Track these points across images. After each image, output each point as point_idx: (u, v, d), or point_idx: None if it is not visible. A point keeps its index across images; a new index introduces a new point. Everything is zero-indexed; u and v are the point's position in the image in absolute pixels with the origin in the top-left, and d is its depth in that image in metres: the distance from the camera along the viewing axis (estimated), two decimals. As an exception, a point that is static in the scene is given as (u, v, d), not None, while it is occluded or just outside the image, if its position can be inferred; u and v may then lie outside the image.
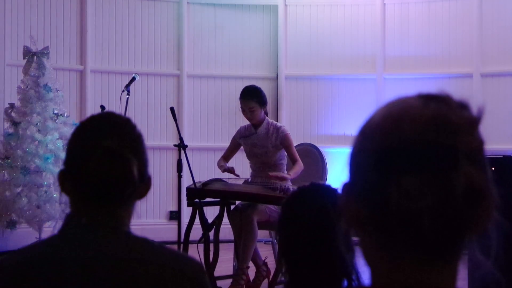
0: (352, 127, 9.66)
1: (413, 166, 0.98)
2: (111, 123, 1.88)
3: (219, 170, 6.69)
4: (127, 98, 7.24)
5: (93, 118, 1.92)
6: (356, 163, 1.05)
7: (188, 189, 6.59)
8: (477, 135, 1.02)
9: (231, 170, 6.57)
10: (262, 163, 6.65)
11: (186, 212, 7.31)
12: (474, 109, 1.03)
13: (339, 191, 2.24)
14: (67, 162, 1.86)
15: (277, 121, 7.99)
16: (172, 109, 6.79)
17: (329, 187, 2.24)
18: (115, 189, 1.80)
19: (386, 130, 1.02)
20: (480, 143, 1.02)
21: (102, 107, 7.28)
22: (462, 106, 1.03)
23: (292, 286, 2.16)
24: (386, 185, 0.99)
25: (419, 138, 0.99)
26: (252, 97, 6.56)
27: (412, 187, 0.98)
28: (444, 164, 0.98)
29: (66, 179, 1.85)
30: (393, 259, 1.02)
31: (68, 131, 7.83)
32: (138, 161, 1.82)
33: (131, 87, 7.48)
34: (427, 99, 1.03)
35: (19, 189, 7.81)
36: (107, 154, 1.80)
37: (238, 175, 6.65)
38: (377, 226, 1.02)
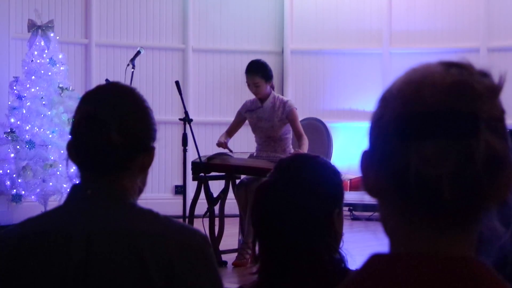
0: (358, 102, 9.64)
1: (433, 132, 0.98)
2: (106, 91, 1.89)
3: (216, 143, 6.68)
4: (132, 72, 7.22)
5: (96, 87, 1.93)
6: (376, 130, 1.04)
7: (193, 163, 6.59)
8: (498, 104, 1.01)
9: (223, 145, 6.56)
10: (268, 137, 6.65)
11: (191, 186, 7.31)
12: (495, 78, 1.03)
13: (325, 162, 2.15)
14: (70, 130, 1.88)
15: (282, 96, 7.98)
16: (177, 82, 6.77)
17: (311, 158, 2.15)
18: (96, 154, 1.80)
19: (407, 96, 1.01)
20: (501, 111, 1.01)
21: (107, 81, 7.25)
22: (484, 74, 1.03)
23: (273, 257, 2.04)
24: (406, 151, 0.99)
25: (440, 104, 0.98)
26: (257, 72, 6.54)
27: (432, 153, 0.97)
28: (464, 131, 0.97)
29: (71, 148, 1.85)
30: (411, 227, 1.01)
31: (73, 105, 7.80)
32: (123, 127, 1.80)
33: (136, 61, 7.46)
34: (448, 66, 1.03)
35: (24, 163, 7.82)
36: (84, 118, 1.81)
37: (231, 150, 6.64)
38: (397, 193, 1.01)
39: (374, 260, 1.03)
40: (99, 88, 1.92)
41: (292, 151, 6.65)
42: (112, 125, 1.79)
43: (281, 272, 2.01)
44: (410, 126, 0.99)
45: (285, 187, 2.04)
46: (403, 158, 0.99)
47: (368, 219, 9.00)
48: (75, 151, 1.84)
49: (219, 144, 6.58)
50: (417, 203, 0.99)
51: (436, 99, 0.99)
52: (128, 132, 1.82)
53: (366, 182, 1.06)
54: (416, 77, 1.03)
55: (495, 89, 1.02)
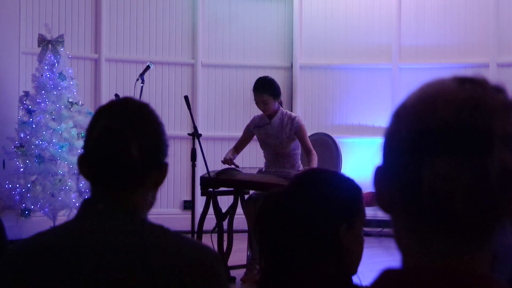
0: (367, 117, 9.63)
1: (447, 148, 0.97)
2: (122, 106, 1.88)
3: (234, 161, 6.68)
4: (142, 87, 7.24)
5: (110, 102, 1.93)
6: (390, 145, 1.04)
7: (202, 178, 6.58)
8: None
9: (228, 162, 6.54)
10: (276, 153, 6.63)
11: (200, 201, 7.30)
12: (510, 93, 1.02)
13: (337, 177, 2.13)
14: (83, 145, 1.87)
15: (291, 111, 7.98)
16: (186, 97, 6.78)
17: (317, 172, 2.14)
18: (114, 169, 1.80)
19: (421, 111, 1.00)
20: None
21: (117, 95, 7.28)
22: (498, 90, 1.02)
23: (269, 273, 2.03)
24: (420, 166, 0.98)
25: (454, 119, 0.98)
26: (265, 90, 6.53)
27: (446, 168, 0.96)
28: (478, 147, 0.96)
29: (83, 162, 1.85)
30: (424, 243, 1.00)
31: (83, 119, 7.84)
32: (141, 143, 1.80)
33: (146, 76, 7.48)
34: (462, 81, 1.02)
35: (33, 178, 7.83)
36: (104, 133, 1.80)
37: (238, 166, 6.62)
38: (410, 209, 1.00)
39: (387, 275, 1.02)
40: (115, 103, 1.91)
41: (301, 166, 6.63)
42: (132, 141, 1.79)
43: (280, 282, 2.00)
44: (424, 142, 0.98)
45: (287, 200, 2.03)
46: (416, 174, 0.98)
47: (379, 234, 8.97)
48: (89, 165, 1.83)
49: (225, 161, 6.57)
50: (430, 219, 0.99)
51: (450, 114, 0.98)
52: (146, 147, 1.82)
53: (379, 198, 1.05)
54: (430, 92, 1.02)
55: (510, 105, 1.00)
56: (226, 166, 6.65)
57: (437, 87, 1.02)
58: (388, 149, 1.04)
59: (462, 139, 0.97)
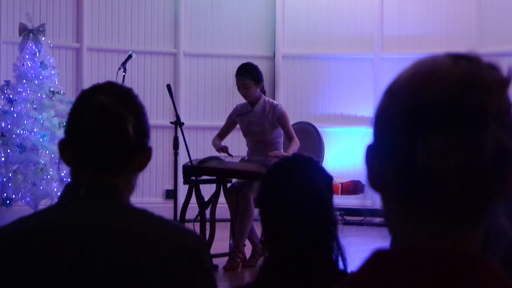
0: (350, 107, 9.64)
1: (441, 125, 0.96)
2: (110, 86, 1.88)
3: (215, 149, 6.69)
4: (124, 76, 7.22)
5: (95, 85, 1.91)
6: (381, 122, 1.02)
7: (184, 166, 6.58)
8: (506, 97, 0.99)
9: (224, 150, 6.57)
10: (259, 141, 6.64)
11: (183, 190, 7.29)
12: (504, 71, 1.00)
13: (321, 163, 2.27)
14: (66, 128, 1.85)
15: (273, 100, 7.98)
16: (168, 86, 6.76)
17: (311, 158, 2.24)
18: (110, 148, 1.78)
19: (414, 88, 0.99)
20: (509, 105, 0.99)
21: (98, 84, 7.25)
22: (492, 67, 1.00)
23: (274, 258, 2.14)
24: (413, 144, 0.96)
25: (448, 96, 0.96)
26: (247, 74, 6.54)
27: (440, 146, 0.95)
28: (472, 124, 0.95)
29: (65, 147, 1.83)
30: (416, 223, 0.99)
31: (64, 108, 7.81)
32: (135, 122, 1.80)
33: (128, 65, 7.45)
34: (456, 58, 1.01)
35: (15, 167, 7.79)
36: (101, 110, 1.78)
37: (231, 155, 6.64)
38: (402, 188, 0.99)
39: (378, 255, 1.01)
40: (102, 85, 1.89)
41: (283, 155, 6.65)
42: (129, 118, 1.78)
43: (285, 270, 2.08)
44: (417, 119, 0.97)
45: (292, 183, 2.14)
46: (409, 151, 0.97)
47: (360, 223, 8.99)
48: (75, 148, 1.81)
49: (221, 149, 6.57)
50: (422, 198, 0.97)
51: (444, 91, 0.97)
52: (138, 127, 1.81)
53: (370, 177, 1.03)
54: (423, 69, 1.00)
55: (504, 82, 0.99)
56: (208, 154, 6.65)
57: (431, 63, 1.01)
58: (380, 127, 1.02)
59: (456, 116, 0.95)
